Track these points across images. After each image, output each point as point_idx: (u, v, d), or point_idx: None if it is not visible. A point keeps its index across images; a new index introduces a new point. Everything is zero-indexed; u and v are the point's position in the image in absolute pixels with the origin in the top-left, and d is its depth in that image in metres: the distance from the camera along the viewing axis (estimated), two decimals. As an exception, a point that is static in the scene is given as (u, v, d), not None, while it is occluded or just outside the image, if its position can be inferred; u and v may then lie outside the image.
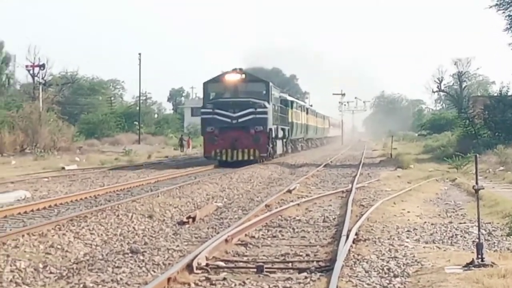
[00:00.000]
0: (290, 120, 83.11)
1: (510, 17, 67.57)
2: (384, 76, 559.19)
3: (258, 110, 61.36)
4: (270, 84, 66.19)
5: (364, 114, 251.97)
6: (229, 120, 61.30)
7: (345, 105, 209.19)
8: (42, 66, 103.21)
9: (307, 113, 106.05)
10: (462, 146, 60.93)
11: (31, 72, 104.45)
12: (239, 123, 60.89)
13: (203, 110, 63.59)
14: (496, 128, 62.67)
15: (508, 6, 67.04)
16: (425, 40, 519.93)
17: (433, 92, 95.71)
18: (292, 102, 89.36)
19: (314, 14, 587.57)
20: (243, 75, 64.09)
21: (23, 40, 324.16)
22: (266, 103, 62.12)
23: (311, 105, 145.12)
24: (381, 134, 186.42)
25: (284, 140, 78.28)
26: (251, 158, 60.55)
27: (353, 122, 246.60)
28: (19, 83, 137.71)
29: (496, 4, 67.61)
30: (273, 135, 65.57)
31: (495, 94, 73.85)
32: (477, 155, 26.00)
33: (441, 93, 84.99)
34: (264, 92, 64.38)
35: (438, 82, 77.71)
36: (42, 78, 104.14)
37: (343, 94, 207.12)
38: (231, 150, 60.61)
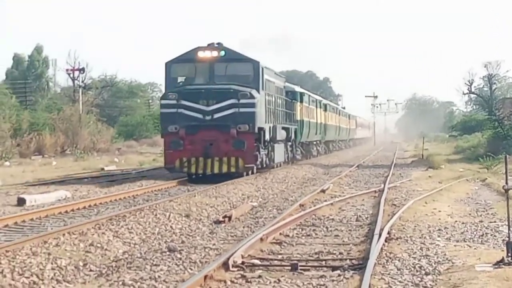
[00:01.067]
0: (299, 118, 61.49)
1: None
2: (416, 78, 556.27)
3: (242, 101, 39.75)
4: (261, 64, 42.89)
5: (396, 116, 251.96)
6: (200, 115, 40.01)
7: (377, 107, 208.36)
8: (82, 70, 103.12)
9: (325, 110, 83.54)
10: (492, 147, 60.77)
11: (71, 75, 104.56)
12: (214, 120, 39.67)
13: (163, 101, 42.26)
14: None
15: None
16: (456, 42, 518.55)
17: (464, 94, 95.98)
18: (302, 94, 65.59)
19: (345, 17, 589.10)
20: (222, 52, 41.43)
21: (64, 44, 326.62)
22: (254, 92, 40.30)
23: (344, 107, 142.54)
24: (413, 136, 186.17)
25: (289, 143, 56.51)
26: (232, 170, 39.94)
27: (385, 123, 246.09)
28: (59, 86, 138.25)
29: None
30: (268, 137, 43.85)
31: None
32: (507, 155, 25.94)
33: (472, 95, 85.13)
34: (252, 75, 41.81)
35: (469, 84, 77.87)
36: (82, 82, 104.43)
37: (376, 97, 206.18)
38: (204, 159, 39.51)
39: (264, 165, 45.17)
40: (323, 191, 34.85)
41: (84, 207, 28.64)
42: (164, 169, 47.75)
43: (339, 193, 35.04)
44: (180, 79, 43.25)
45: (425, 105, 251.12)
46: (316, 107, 75.38)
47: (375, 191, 34.58)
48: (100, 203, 30.24)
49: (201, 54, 40.94)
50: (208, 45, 41.96)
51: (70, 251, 18.33)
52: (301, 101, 64.39)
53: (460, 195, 33.00)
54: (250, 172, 41.74)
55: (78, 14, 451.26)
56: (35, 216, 25.12)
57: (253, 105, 39.17)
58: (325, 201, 30.34)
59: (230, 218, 24.77)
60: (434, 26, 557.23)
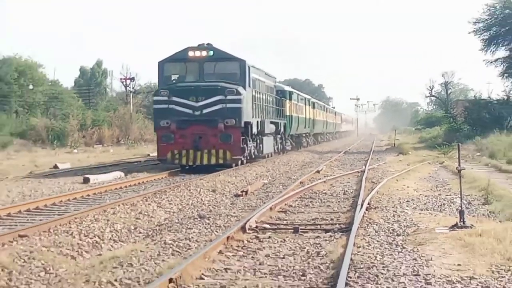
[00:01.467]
0: (288, 114, 56.02)
1: (483, 41, 67.48)
2: (390, 84, 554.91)
3: (229, 97, 35.39)
4: (247, 63, 38.35)
5: (374, 113, 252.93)
6: (190, 111, 35.49)
7: (359, 106, 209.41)
8: (132, 79, 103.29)
9: (313, 107, 77.87)
10: (447, 138, 60.68)
11: (124, 83, 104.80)
12: (203, 115, 35.32)
13: (156, 97, 37.49)
14: (474, 124, 62.36)
15: (482, 32, 67.06)
16: (422, 56, 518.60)
17: (426, 97, 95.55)
18: (291, 93, 59.91)
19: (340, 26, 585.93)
20: (211, 52, 37.10)
21: (119, 59, 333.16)
22: (240, 89, 36.05)
23: (334, 107, 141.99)
24: (387, 129, 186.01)
25: (278, 136, 50.97)
26: (220, 161, 35.45)
27: (365, 119, 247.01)
28: (115, 91, 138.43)
29: (474, 31, 67.51)
30: (255, 131, 39.06)
31: (472, 98, 73.47)
32: (459, 144, 25.89)
33: (432, 98, 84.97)
34: (239, 73, 37.53)
35: (430, 89, 77.82)
36: (132, 88, 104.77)
37: (358, 99, 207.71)
38: (194, 151, 35.36)
39: (253, 156, 39.95)
40: (318, 171, 34.85)
41: (135, 184, 28.84)
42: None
43: (330, 173, 35.08)
44: (173, 77, 37.53)
45: (396, 105, 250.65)
46: (305, 104, 69.37)
47: (358, 172, 34.60)
48: (147, 181, 30.39)
49: (191, 54, 35.82)
50: (199, 45, 36.65)
51: (124, 218, 18.55)
52: (290, 99, 58.12)
53: (423, 175, 33.02)
54: (239, 163, 36.55)
55: (129, 37, 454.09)
56: (97, 191, 25.34)
57: (239, 101, 34.08)
58: (319, 179, 30.34)
59: (246, 192, 24.82)
60: (405, 43, 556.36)
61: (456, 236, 15.08)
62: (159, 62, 36.52)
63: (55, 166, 39.18)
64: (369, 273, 11.86)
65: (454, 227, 16.17)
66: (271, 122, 45.04)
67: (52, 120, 72.41)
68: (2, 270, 12.24)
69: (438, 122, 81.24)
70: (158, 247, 14.54)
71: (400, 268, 12.24)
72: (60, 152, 50.32)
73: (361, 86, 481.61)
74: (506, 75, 69.27)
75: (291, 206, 21.25)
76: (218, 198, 23.79)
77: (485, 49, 68.67)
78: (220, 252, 13.82)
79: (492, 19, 67.25)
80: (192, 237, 15.66)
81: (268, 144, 44.04)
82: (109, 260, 13.04)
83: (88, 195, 24.63)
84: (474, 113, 65.15)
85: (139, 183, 29.46)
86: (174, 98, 33.94)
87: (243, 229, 16.19)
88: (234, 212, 19.92)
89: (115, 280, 11.42)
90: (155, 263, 12.76)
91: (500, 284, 11.09)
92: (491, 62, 69.54)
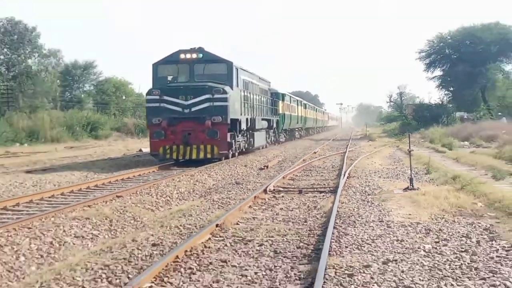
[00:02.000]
0: (281, 112, 46.60)
1: (425, 64, 67.72)
2: (363, 92, 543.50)
3: (216, 96, 28.04)
4: (234, 64, 30.41)
5: (352, 114, 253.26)
6: (179, 109, 28.04)
7: (342, 109, 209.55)
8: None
9: (305, 107, 68.68)
10: (401, 130, 60.37)
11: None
12: (192, 113, 28.04)
13: (148, 97, 29.30)
14: (419, 120, 62.10)
15: (425, 58, 67.24)
16: (385, 71, 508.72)
17: (387, 102, 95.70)
18: (283, 95, 50.18)
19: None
20: (200, 54, 29.60)
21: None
22: (227, 88, 28.56)
23: (325, 109, 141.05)
24: (361, 124, 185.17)
25: (271, 130, 41.42)
26: (208, 156, 27.70)
27: (346, 118, 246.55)
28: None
29: (419, 58, 67.68)
30: (244, 127, 31.15)
31: (418, 103, 73.54)
32: (410, 134, 25.86)
33: (391, 103, 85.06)
34: (226, 74, 29.81)
35: (389, 97, 77.92)
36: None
37: (341, 103, 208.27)
38: (184, 146, 27.77)
39: (243, 149, 31.54)
40: (315, 153, 34.70)
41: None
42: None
43: (323, 153, 34.89)
44: (166, 78, 28.87)
45: (367, 108, 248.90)
46: (297, 105, 59.77)
47: (341, 152, 34.37)
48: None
49: (182, 56, 27.86)
50: (191, 48, 28.48)
51: (186, 184, 18.61)
52: (283, 100, 48.23)
53: (385, 154, 32.85)
54: (230, 156, 28.46)
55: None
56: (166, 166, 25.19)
57: (225, 100, 26.47)
58: (316, 158, 30.28)
59: (267, 167, 24.71)
60: (376, 62, 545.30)
61: (407, 195, 15.13)
62: (153, 64, 28.42)
63: (140, 150, 39.21)
64: (349, 220, 11.91)
65: (406, 189, 16.18)
66: (263, 119, 36.76)
67: (138, 119, 72.50)
68: (106, 219, 12.44)
69: (395, 119, 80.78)
70: (209, 203, 14.66)
71: (370, 216, 12.28)
72: (144, 141, 50.35)
73: (344, 93, 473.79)
74: (440, 87, 69.67)
75: (297, 175, 21.15)
76: (248, 170, 23.74)
77: (426, 70, 68.94)
78: (250, 206, 13.90)
79: (431, 49, 67.38)
80: (231, 196, 15.75)
81: (259, 138, 35.51)
82: (176, 212, 13.23)
83: (161, 169, 24.41)
84: (419, 113, 65.13)
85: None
86: (165, 97, 26.26)
87: (265, 191, 16.19)
88: (259, 180, 19.85)
89: (180, 225, 11.58)
90: (207, 214, 12.89)
91: (437, 227, 11.11)
92: (430, 79, 69.83)
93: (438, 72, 69.38)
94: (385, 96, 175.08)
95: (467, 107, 62.32)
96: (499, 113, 56.14)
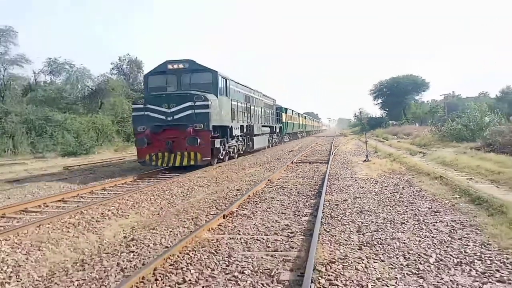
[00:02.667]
0: (284, 120, 34.80)
1: (373, 96, 66.17)
2: (341, 108, 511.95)
3: (198, 103, 13.11)
4: (219, 73, 14.64)
5: (335, 122, 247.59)
6: (163, 117, 13.31)
7: (329, 119, 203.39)
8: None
9: (304, 118, 55.35)
10: (361, 131, 58.99)
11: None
12: (175, 120, 13.22)
13: (134, 106, 13.90)
14: (370, 125, 60.69)
15: (373, 93, 65.46)
16: (355, 96, 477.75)
17: (354, 116, 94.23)
18: (286, 109, 36.88)
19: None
20: (186, 64, 14.37)
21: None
22: (209, 95, 13.55)
23: (320, 119, 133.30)
24: (340, 128, 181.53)
25: (274, 134, 29.05)
26: (192, 162, 13.22)
27: (331, 125, 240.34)
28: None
29: (369, 93, 66.20)
30: (237, 133, 16.83)
31: (369, 117, 71.84)
32: (365, 132, 25.19)
33: (356, 117, 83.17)
34: (211, 83, 14.27)
35: (355, 114, 76.75)
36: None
37: (329, 118, 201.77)
38: (168, 153, 13.23)
39: (241, 152, 18.99)
40: (316, 143, 34.17)
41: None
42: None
43: (320, 143, 34.25)
44: (157, 89, 14.97)
45: (343, 119, 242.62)
46: (298, 116, 47.30)
47: (330, 142, 33.77)
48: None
49: (170, 67, 14.96)
50: (178, 60, 15.07)
51: (250, 159, 17.95)
52: (286, 112, 35.87)
53: (353, 143, 32.06)
54: (215, 162, 15.20)
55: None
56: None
57: (207, 107, 13.55)
58: (317, 144, 29.87)
59: (293, 150, 24.31)
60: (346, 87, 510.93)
61: (365, 164, 14.78)
62: (144, 76, 15.96)
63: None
64: (335, 176, 11.72)
65: (364, 161, 15.82)
66: (265, 126, 24.59)
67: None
68: (213, 177, 12.12)
69: (358, 125, 79.09)
70: (263, 169, 14.34)
71: (346, 174, 12.07)
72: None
73: (331, 109, 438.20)
74: (381, 108, 68.30)
75: (308, 155, 20.70)
76: (283, 153, 23.19)
77: (374, 99, 67.32)
78: (284, 170, 13.63)
79: (376, 89, 66.07)
80: (275, 166, 15.29)
81: (260, 141, 23.05)
82: (246, 174, 13.05)
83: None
84: (370, 121, 64.18)
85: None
86: (149, 106, 13.90)
87: (292, 162, 15.89)
88: (289, 157, 19.23)
89: (250, 180, 11.42)
90: (262, 175, 12.76)
91: (381, 179, 10.93)
92: (375, 104, 68.82)
93: (380, 100, 67.91)
94: (352, 113, 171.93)
95: (395, 118, 60.82)
96: (413, 121, 54.71)
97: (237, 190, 9.88)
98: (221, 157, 15.50)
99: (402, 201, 8.12)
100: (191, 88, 14.40)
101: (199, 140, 13.18)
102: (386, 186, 9.90)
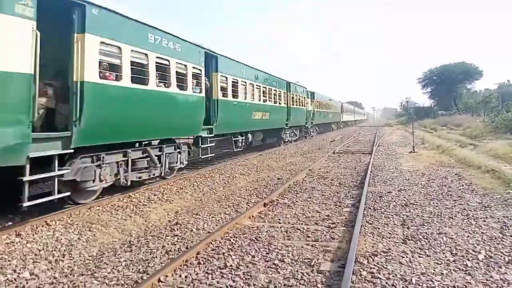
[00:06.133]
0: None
1: (422, 85, 62.70)
2: (384, 94, 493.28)
3: None
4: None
5: (379, 112, 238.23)
6: None
7: (374, 109, 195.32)
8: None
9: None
10: (408, 121, 56.51)
11: None
12: None
13: None
14: (418, 115, 57.95)
15: (422, 81, 62.24)
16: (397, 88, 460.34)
17: (400, 106, 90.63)
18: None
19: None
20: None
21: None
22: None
23: (364, 108, 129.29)
24: (386, 119, 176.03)
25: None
26: None
27: (376, 115, 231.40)
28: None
29: (418, 81, 62.96)
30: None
31: (417, 106, 68.72)
32: (413, 123, 24.19)
33: (402, 106, 79.75)
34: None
35: (401, 104, 73.27)
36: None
37: (374, 107, 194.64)
38: None
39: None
40: (359, 133, 33.43)
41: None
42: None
43: (362, 133, 33.55)
44: None
45: (388, 109, 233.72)
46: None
47: (373, 133, 32.98)
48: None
49: None
50: None
51: (292, 148, 18.14)
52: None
53: (399, 133, 31.12)
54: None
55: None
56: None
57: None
58: (359, 134, 29.26)
59: (334, 140, 23.99)
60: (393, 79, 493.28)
61: (411, 155, 14.37)
62: None
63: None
64: (378, 167, 11.49)
65: (410, 152, 15.36)
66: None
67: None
68: (254, 165, 12.30)
69: (404, 115, 76.09)
70: (304, 158, 14.36)
71: (390, 166, 11.78)
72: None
73: (376, 97, 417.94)
74: (430, 97, 64.90)
75: (350, 145, 20.45)
76: (325, 142, 23.21)
77: (422, 88, 64.01)
78: (326, 160, 13.58)
79: (425, 77, 62.71)
80: (316, 155, 15.25)
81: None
82: (287, 163, 13.09)
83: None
84: (419, 111, 61.32)
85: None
86: None
87: (333, 152, 15.81)
88: (330, 147, 19.16)
89: (290, 169, 11.48)
90: (303, 164, 12.75)
91: (428, 172, 10.54)
92: (424, 93, 65.30)
93: (429, 88, 64.65)
94: (399, 102, 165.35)
95: (445, 108, 57.67)
96: (463, 111, 51.60)
97: (278, 179, 9.91)
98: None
99: (451, 195, 7.74)
100: None
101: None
102: (433, 179, 9.51)
